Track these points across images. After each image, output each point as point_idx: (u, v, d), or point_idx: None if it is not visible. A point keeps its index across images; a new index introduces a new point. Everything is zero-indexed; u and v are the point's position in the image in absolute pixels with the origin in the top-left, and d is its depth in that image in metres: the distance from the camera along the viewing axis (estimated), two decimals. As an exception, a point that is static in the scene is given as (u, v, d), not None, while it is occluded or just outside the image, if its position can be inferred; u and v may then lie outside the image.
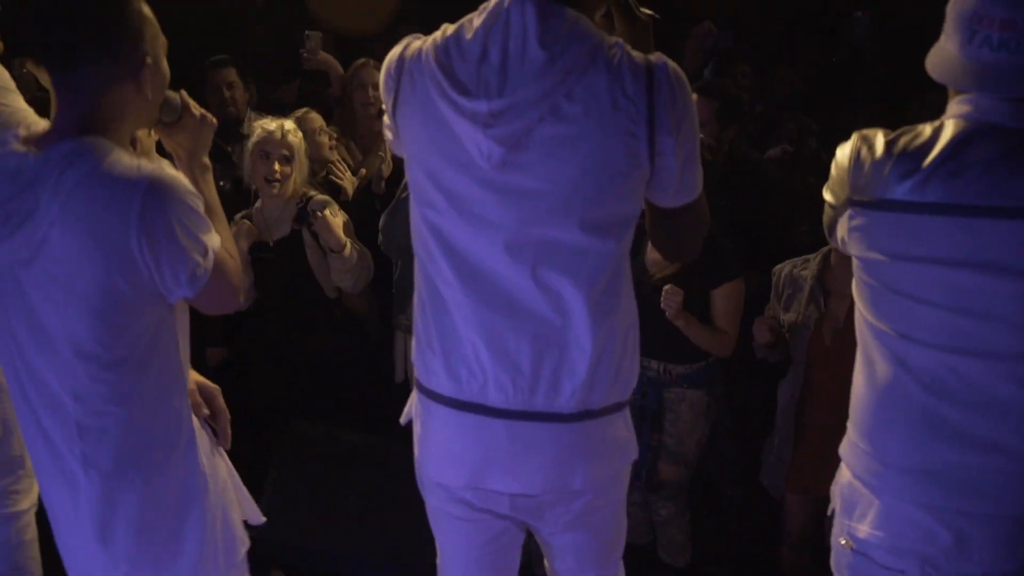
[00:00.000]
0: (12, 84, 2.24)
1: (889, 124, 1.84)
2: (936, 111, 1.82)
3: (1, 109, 2.14)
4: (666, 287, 3.17)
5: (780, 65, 5.81)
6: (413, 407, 2.03)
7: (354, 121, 4.36)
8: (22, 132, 1.75)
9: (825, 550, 2.34)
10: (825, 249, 3.25)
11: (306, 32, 4.57)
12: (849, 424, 1.97)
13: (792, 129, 4.84)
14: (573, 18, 1.71)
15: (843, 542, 1.93)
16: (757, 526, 3.77)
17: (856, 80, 5.69)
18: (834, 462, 2.28)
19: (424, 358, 1.91)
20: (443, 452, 1.94)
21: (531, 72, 1.69)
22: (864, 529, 1.87)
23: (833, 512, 2.00)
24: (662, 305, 3.15)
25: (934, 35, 1.81)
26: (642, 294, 3.28)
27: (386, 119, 1.90)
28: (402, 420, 2.09)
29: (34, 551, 2.63)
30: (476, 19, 1.76)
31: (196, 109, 1.96)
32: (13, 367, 1.82)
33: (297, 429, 3.38)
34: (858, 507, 1.90)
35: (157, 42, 1.78)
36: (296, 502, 3.12)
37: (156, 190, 1.67)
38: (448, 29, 1.79)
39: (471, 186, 1.76)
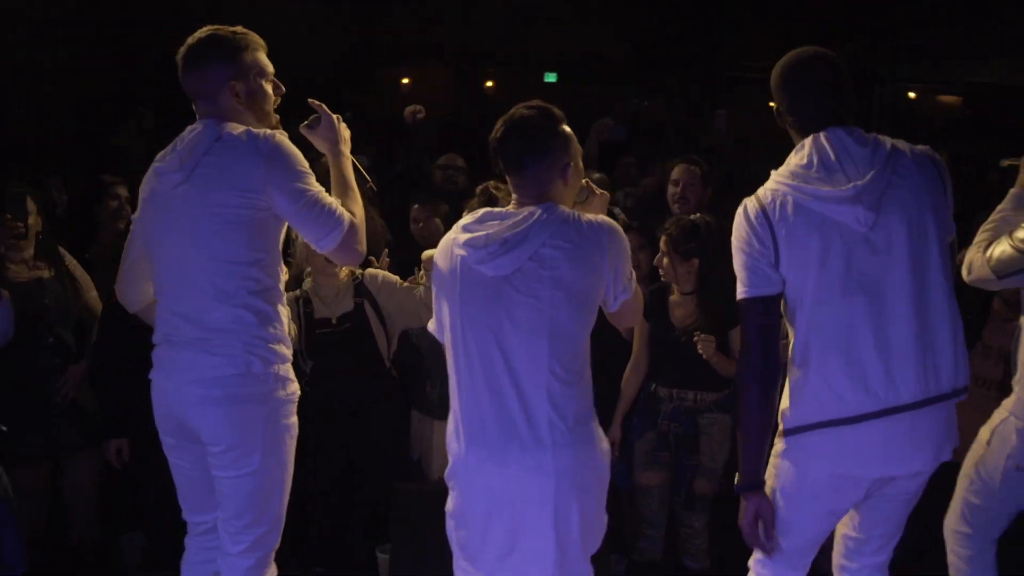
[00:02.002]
0: None
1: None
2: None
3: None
4: (699, 335, 3.75)
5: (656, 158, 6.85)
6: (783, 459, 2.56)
7: None
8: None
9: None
10: None
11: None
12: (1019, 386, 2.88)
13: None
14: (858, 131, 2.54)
15: (1016, 467, 2.80)
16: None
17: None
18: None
19: (831, 393, 2.45)
20: (856, 452, 2.48)
21: (864, 162, 2.46)
22: None
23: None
24: (699, 349, 3.73)
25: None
26: (677, 340, 3.82)
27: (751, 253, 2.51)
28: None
29: None
30: (797, 157, 2.53)
31: (597, 190, 2.75)
32: (483, 351, 2.45)
33: (402, 489, 3.84)
34: None
35: (575, 148, 2.55)
36: (423, 550, 3.59)
37: (615, 229, 2.50)
38: (782, 173, 2.53)
39: (864, 256, 2.44)
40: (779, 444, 2.59)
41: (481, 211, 2.53)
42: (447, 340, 2.54)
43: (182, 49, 2.68)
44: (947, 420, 2.53)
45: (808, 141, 2.52)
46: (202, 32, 2.68)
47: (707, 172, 4.48)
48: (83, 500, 3.96)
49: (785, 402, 2.55)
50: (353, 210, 2.72)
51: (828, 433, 2.47)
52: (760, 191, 2.55)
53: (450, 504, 2.60)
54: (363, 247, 2.77)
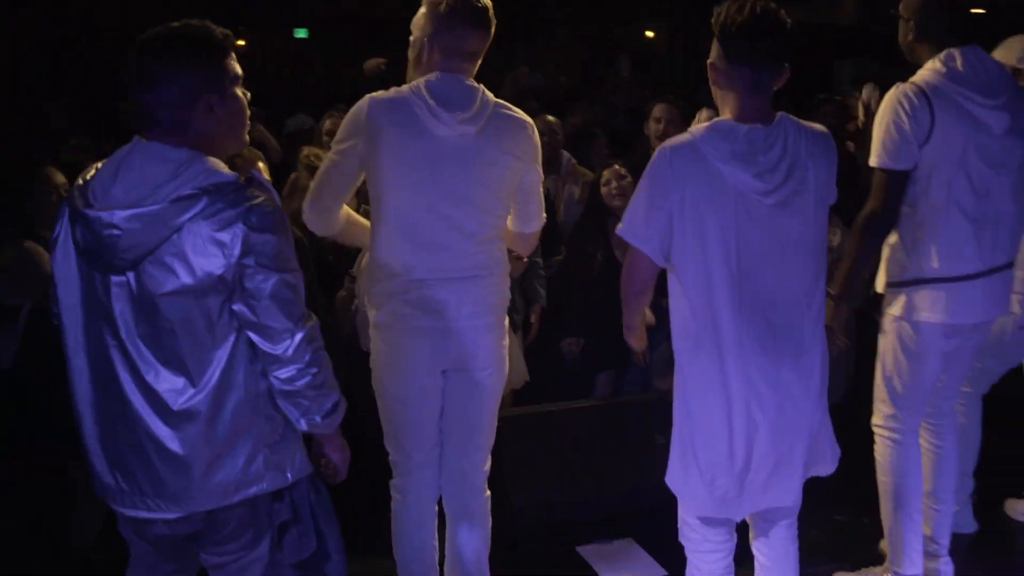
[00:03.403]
0: None
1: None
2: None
3: None
4: None
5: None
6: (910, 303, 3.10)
7: None
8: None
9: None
10: None
11: None
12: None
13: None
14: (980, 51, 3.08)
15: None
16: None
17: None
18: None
19: (957, 255, 3.04)
20: (963, 305, 3.08)
21: (1000, 84, 3.05)
22: None
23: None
24: None
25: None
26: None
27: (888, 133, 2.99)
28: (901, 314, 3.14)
29: None
30: (947, 57, 3.03)
31: None
32: (755, 272, 2.47)
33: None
34: None
35: None
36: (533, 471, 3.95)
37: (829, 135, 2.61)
38: (935, 68, 3.01)
39: (994, 151, 3.01)
40: (897, 299, 3.12)
41: (735, 127, 2.46)
42: (688, 256, 2.49)
43: (478, 5, 2.73)
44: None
45: (955, 52, 3.02)
46: None
47: (684, 111, 4.93)
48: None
49: (902, 258, 3.09)
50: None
51: (945, 288, 3.04)
52: (919, 80, 3.00)
53: (699, 422, 2.57)
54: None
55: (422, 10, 2.79)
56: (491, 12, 2.77)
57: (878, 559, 3.54)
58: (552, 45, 8.52)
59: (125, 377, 2.09)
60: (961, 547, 3.63)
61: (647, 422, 4.10)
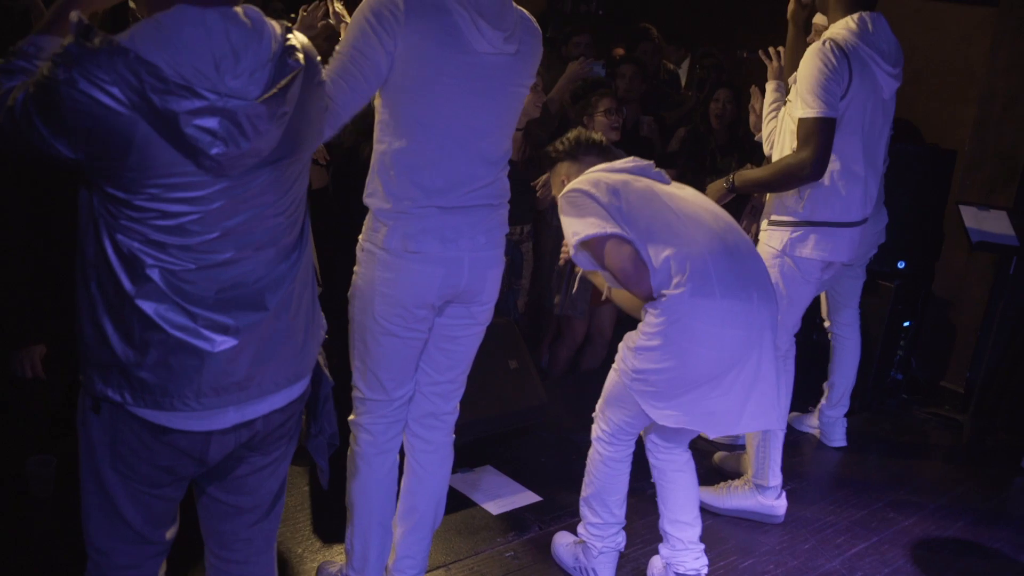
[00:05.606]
0: None
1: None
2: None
3: None
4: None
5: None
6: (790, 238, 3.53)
7: None
8: None
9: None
10: None
11: None
12: None
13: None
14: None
15: None
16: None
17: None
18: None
19: (847, 202, 3.49)
20: (843, 246, 3.54)
21: (898, 54, 3.50)
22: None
23: None
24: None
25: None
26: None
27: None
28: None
29: None
30: (860, 20, 3.41)
31: None
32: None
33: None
34: None
35: None
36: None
37: None
38: (849, 28, 3.38)
39: (879, 114, 3.48)
40: (780, 236, 3.50)
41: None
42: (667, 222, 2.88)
43: None
44: None
45: (866, 16, 3.41)
46: None
47: None
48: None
49: (804, 199, 3.45)
50: None
51: (832, 231, 3.48)
52: (836, 37, 3.35)
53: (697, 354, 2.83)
54: None
55: None
56: None
57: (726, 474, 3.92)
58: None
59: None
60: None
61: (499, 348, 4.11)
